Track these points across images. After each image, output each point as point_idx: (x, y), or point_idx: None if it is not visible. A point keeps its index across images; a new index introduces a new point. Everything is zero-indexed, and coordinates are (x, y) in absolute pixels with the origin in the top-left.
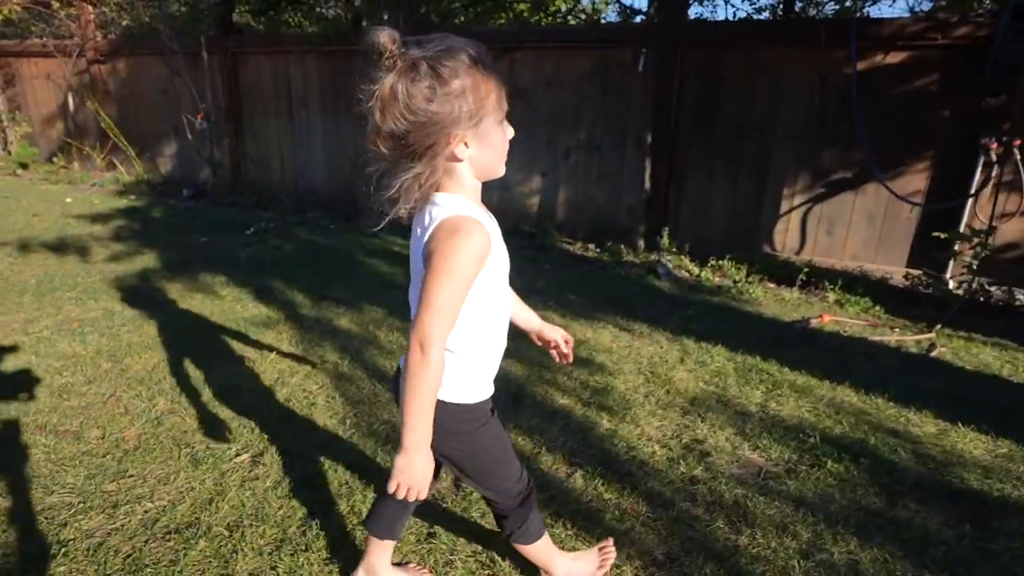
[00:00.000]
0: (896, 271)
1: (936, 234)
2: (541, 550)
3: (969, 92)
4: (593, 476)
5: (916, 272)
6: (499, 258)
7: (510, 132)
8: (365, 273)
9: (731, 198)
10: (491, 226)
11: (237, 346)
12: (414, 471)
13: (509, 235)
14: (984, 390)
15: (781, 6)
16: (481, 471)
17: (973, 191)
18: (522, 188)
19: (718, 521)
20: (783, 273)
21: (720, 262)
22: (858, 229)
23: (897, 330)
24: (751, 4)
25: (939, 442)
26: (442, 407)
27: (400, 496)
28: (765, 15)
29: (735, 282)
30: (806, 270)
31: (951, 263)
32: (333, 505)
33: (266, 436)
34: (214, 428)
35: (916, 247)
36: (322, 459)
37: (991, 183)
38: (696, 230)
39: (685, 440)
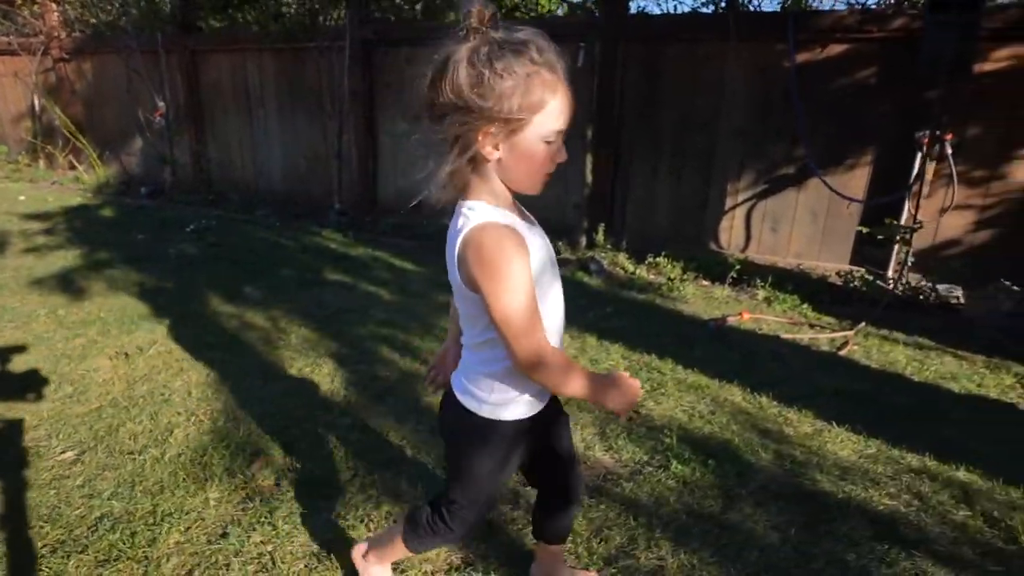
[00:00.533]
0: (840, 268)
1: (859, 228)
2: (396, 553)
3: (908, 85)
4: (423, 477)
5: (849, 269)
6: (540, 266)
7: (562, 155)
8: (289, 271)
9: (676, 194)
10: (527, 230)
11: (119, 343)
12: (615, 399)
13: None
14: (882, 389)
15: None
16: (456, 475)
17: (909, 186)
18: None
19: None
20: (720, 270)
21: (657, 259)
22: (802, 226)
23: (816, 328)
24: None
25: (808, 443)
26: (467, 415)
27: (632, 405)
28: (710, 9)
29: (669, 279)
30: (738, 267)
31: (892, 260)
32: (136, 504)
33: (101, 432)
34: (54, 425)
35: (858, 244)
36: (145, 457)
37: (924, 178)
38: (639, 227)
39: None
